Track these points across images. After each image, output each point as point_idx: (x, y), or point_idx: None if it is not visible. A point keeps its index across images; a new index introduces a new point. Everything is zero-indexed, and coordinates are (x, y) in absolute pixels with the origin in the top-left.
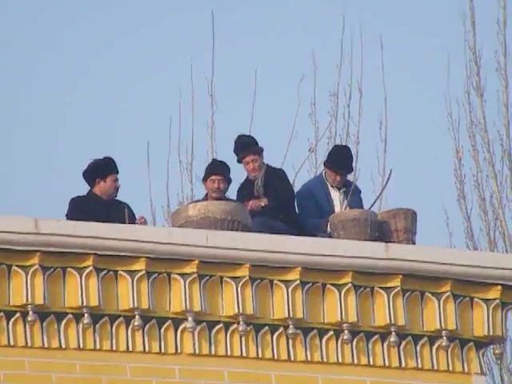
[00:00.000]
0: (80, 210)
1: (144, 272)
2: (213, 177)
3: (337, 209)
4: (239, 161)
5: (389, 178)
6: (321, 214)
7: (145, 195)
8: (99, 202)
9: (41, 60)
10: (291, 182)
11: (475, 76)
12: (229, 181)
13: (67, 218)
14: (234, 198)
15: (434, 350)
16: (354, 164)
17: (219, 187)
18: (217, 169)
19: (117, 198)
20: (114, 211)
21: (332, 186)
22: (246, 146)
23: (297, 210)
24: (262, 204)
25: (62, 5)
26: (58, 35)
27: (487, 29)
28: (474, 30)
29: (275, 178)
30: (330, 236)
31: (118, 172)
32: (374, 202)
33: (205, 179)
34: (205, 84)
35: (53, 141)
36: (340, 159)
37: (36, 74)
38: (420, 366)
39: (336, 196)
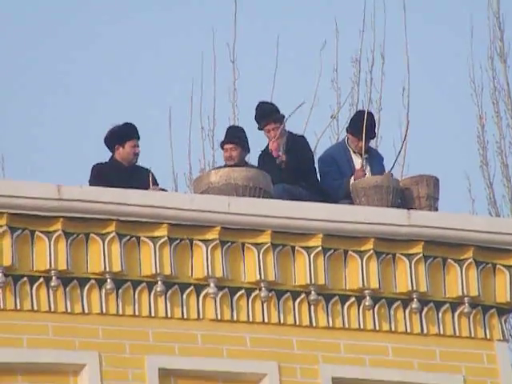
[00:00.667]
0: (102, 176)
1: (166, 238)
2: (225, 146)
3: None
4: (260, 128)
5: (407, 132)
6: (343, 178)
7: (167, 161)
8: (121, 168)
9: (62, 17)
10: (313, 148)
11: (499, 41)
12: (244, 147)
13: (90, 185)
14: (256, 163)
15: (456, 317)
16: (376, 130)
17: (231, 155)
18: (228, 137)
19: (139, 164)
20: (136, 177)
21: (354, 152)
22: (267, 114)
23: (319, 176)
24: (280, 154)
25: None
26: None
27: None
28: None
29: (297, 145)
30: (352, 203)
31: (138, 138)
32: (396, 158)
33: (221, 147)
34: (227, 50)
35: (74, 107)
36: (362, 124)
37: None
38: (442, 332)
39: (358, 162)
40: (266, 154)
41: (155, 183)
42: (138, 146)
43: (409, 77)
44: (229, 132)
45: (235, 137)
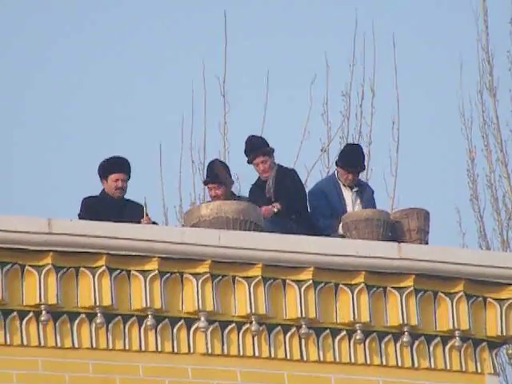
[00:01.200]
0: (92, 209)
1: (157, 272)
2: (208, 185)
3: (349, 208)
4: (250, 162)
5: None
6: (333, 213)
7: (157, 195)
8: (111, 202)
9: (47, 57)
10: (303, 181)
11: (488, 75)
12: (227, 183)
13: (79, 218)
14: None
15: (446, 350)
16: (365, 163)
17: (216, 194)
18: (209, 177)
19: (131, 199)
20: (127, 211)
21: (344, 186)
22: (256, 148)
23: (309, 210)
24: (275, 210)
25: (68, 4)
26: (64, 35)
27: (500, 28)
28: (486, 30)
29: (287, 179)
30: (343, 236)
31: (122, 171)
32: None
33: (205, 184)
34: (217, 84)
35: (65, 140)
36: (351, 157)
37: (42, 72)
38: (433, 366)
39: (348, 195)
40: (257, 187)
41: (147, 215)
42: (123, 181)
43: (398, 110)
44: (210, 170)
45: (216, 175)
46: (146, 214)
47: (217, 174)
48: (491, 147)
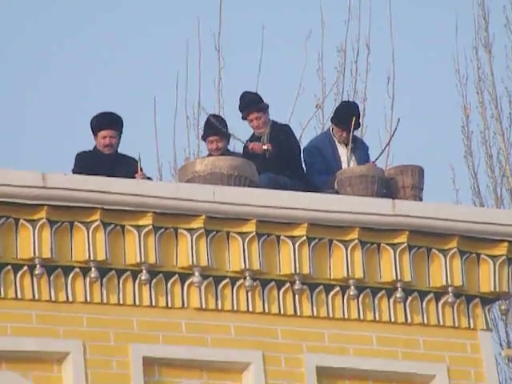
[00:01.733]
0: (85, 164)
1: (151, 227)
2: (210, 138)
3: (344, 165)
4: (244, 118)
5: (396, 128)
6: (328, 170)
7: (151, 150)
8: (104, 157)
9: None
10: (298, 138)
11: (483, 32)
12: (227, 136)
13: (73, 173)
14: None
15: (439, 306)
16: (361, 120)
17: (218, 147)
18: (212, 129)
19: (123, 153)
20: (120, 166)
21: (339, 142)
22: (250, 104)
23: (304, 166)
24: (265, 147)
25: None
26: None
27: None
28: None
29: (281, 134)
30: (337, 192)
31: (110, 128)
32: (382, 151)
33: (204, 139)
34: (212, 39)
35: (60, 95)
36: (347, 115)
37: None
38: (426, 321)
39: (343, 152)
40: (250, 144)
41: (142, 171)
42: (111, 137)
43: (394, 67)
44: (210, 123)
45: (218, 128)
46: (141, 169)
47: (218, 127)
48: (486, 104)
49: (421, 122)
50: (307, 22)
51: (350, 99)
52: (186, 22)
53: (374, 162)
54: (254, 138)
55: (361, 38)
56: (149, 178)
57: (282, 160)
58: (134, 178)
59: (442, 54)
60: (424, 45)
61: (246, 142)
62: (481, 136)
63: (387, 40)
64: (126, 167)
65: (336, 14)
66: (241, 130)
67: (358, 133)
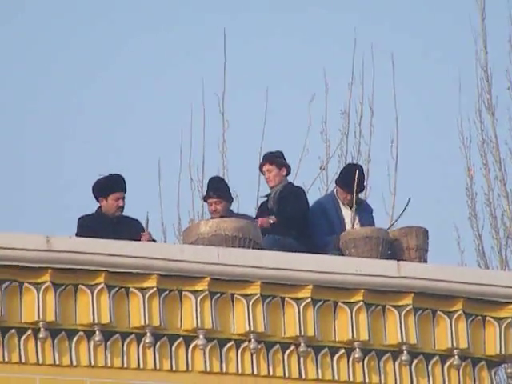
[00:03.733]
0: (87, 228)
1: (155, 289)
2: (208, 200)
3: (348, 226)
4: (260, 169)
5: (406, 206)
6: (332, 231)
7: (156, 212)
8: (106, 220)
9: (46, 72)
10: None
11: (486, 94)
12: (228, 198)
13: (76, 237)
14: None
15: (445, 369)
16: (365, 183)
17: (216, 209)
18: (212, 191)
19: (126, 215)
20: (123, 228)
21: (343, 204)
22: (265, 156)
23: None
24: (271, 221)
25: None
26: (62, 48)
27: (499, 47)
28: (485, 49)
29: (291, 195)
30: (342, 254)
31: (122, 190)
32: (389, 228)
33: (205, 200)
34: (216, 101)
35: (63, 157)
36: (351, 178)
37: (42, 85)
38: None
39: (347, 214)
40: (264, 202)
41: (148, 231)
42: (122, 199)
43: (397, 129)
44: (211, 185)
45: (218, 190)
46: (148, 232)
47: (218, 189)
48: (490, 166)
49: (425, 183)
50: (311, 85)
51: (354, 161)
52: (190, 85)
53: (387, 230)
54: (267, 195)
55: (364, 101)
56: (153, 240)
57: (288, 222)
58: (139, 239)
59: (446, 116)
60: (427, 107)
61: (262, 198)
62: (485, 197)
63: (391, 102)
64: (129, 229)
65: (339, 77)
66: (245, 191)
67: (362, 195)
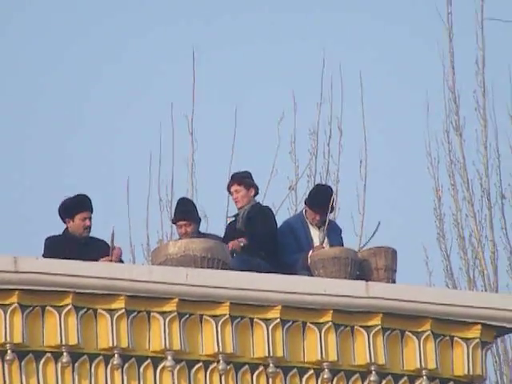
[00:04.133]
0: (54, 249)
1: (123, 310)
2: (178, 223)
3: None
4: (228, 190)
5: (376, 230)
6: (301, 250)
7: (124, 232)
8: (74, 241)
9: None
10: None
11: (454, 115)
12: (196, 220)
13: (43, 258)
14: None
15: None
16: (334, 204)
17: (186, 232)
18: (181, 214)
19: (93, 236)
20: (90, 249)
21: (311, 224)
22: (232, 177)
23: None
24: (241, 244)
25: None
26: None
27: (466, 69)
28: (453, 70)
29: (259, 215)
30: (311, 274)
31: (89, 210)
32: (359, 251)
33: (174, 223)
34: (185, 122)
35: (24, 178)
36: (320, 199)
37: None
38: None
39: (316, 234)
40: (232, 222)
41: (114, 249)
42: (89, 219)
43: (366, 149)
44: (180, 207)
45: (187, 212)
46: (114, 248)
47: (187, 211)
48: (458, 186)
49: (393, 204)
50: (279, 105)
51: (323, 181)
52: (158, 105)
53: (359, 250)
54: (235, 215)
55: (333, 121)
56: (120, 261)
57: (257, 242)
58: (107, 259)
59: (414, 136)
60: (396, 127)
61: (230, 218)
62: (453, 218)
63: (359, 123)
64: (97, 250)
65: (308, 97)
66: (213, 211)
67: (331, 215)
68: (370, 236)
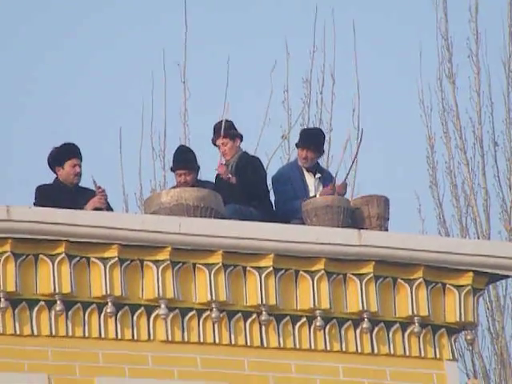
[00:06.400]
0: (46, 197)
1: (116, 259)
2: (177, 171)
3: (312, 194)
4: (213, 143)
5: (361, 138)
6: (296, 198)
7: (117, 182)
8: (65, 190)
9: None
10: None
11: (447, 63)
12: (196, 168)
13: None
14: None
15: (406, 336)
16: (324, 146)
17: (186, 181)
18: (180, 163)
19: (83, 186)
20: (81, 198)
21: (307, 171)
22: (217, 129)
23: (274, 195)
24: (230, 176)
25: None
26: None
27: (459, 16)
28: (446, 17)
29: (248, 165)
30: (303, 223)
31: (77, 156)
32: (351, 167)
33: (173, 171)
34: (177, 71)
35: (19, 128)
36: (308, 136)
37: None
38: (392, 352)
39: (311, 181)
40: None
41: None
42: (78, 166)
43: (359, 97)
44: (179, 156)
45: (187, 161)
46: (99, 188)
47: (187, 160)
48: (450, 134)
49: (386, 152)
50: (272, 54)
51: None
52: (150, 54)
53: (344, 182)
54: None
55: (326, 69)
56: (107, 204)
57: (248, 191)
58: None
59: (407, 84)
60: (389, 75)
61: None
62: (446, 166)
63: (352, 70)
64: (87, 199)
65: (301, 46)
66: (206, 159)
67: (323, 164)
68: (357, 146)
